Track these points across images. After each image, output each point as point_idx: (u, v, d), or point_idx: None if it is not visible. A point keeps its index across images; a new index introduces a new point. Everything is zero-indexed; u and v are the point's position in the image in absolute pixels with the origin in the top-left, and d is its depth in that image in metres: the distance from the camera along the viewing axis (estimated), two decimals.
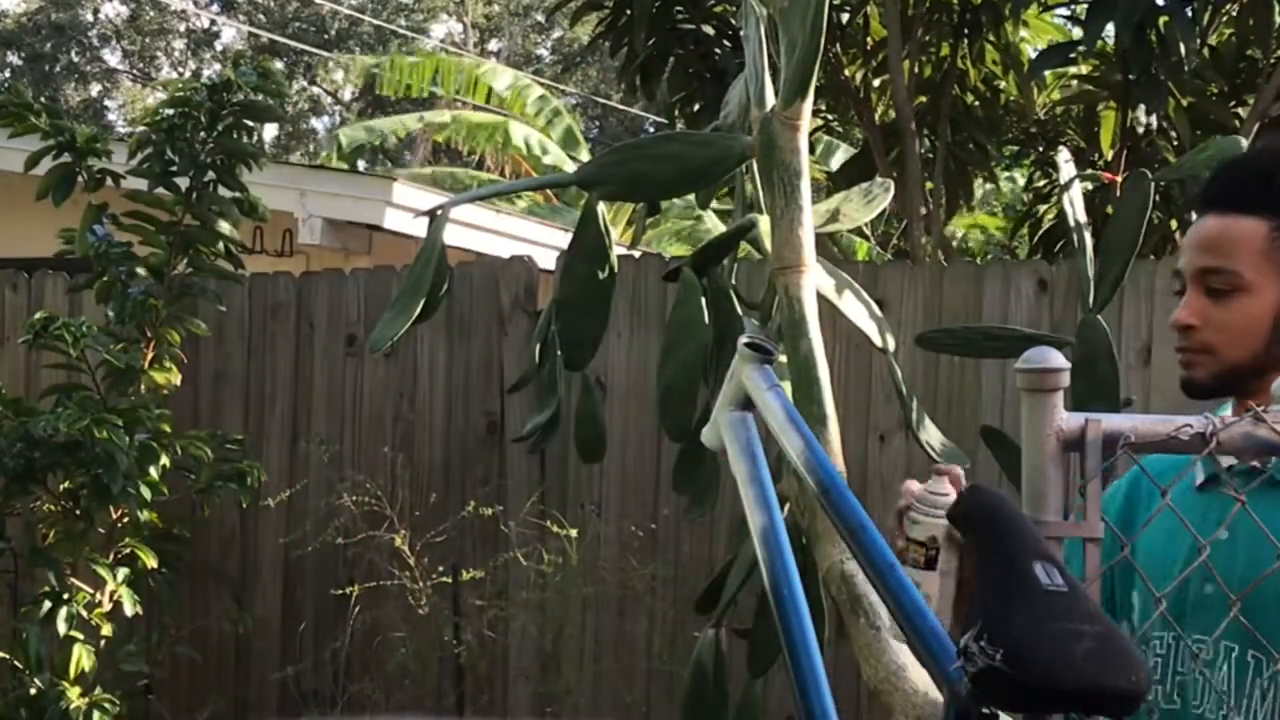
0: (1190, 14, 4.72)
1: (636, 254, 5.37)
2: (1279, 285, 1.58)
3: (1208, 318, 1.61)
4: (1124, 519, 1.67)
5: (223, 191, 4.09)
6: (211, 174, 4.06)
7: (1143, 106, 5.35)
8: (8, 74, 23.69)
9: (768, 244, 2.68)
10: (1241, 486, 1.50)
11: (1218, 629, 1.48)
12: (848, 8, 5.68)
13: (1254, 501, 1.45)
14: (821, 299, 2.63)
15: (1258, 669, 1.55)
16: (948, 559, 1.46)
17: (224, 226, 4.08)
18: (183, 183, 4.04)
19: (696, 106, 5.87)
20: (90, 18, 25.31)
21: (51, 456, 3.93)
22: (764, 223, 2.74)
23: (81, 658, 3.85)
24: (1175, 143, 5.47)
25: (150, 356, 4.05)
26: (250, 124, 4.11)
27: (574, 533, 4.38)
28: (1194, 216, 1.68)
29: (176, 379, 4.14)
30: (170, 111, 4.00)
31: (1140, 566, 1.54)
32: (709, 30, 5.78)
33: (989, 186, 6.96)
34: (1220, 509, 1.51)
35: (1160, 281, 4.01)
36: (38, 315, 3.99)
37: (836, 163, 8.21)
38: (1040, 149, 6.11)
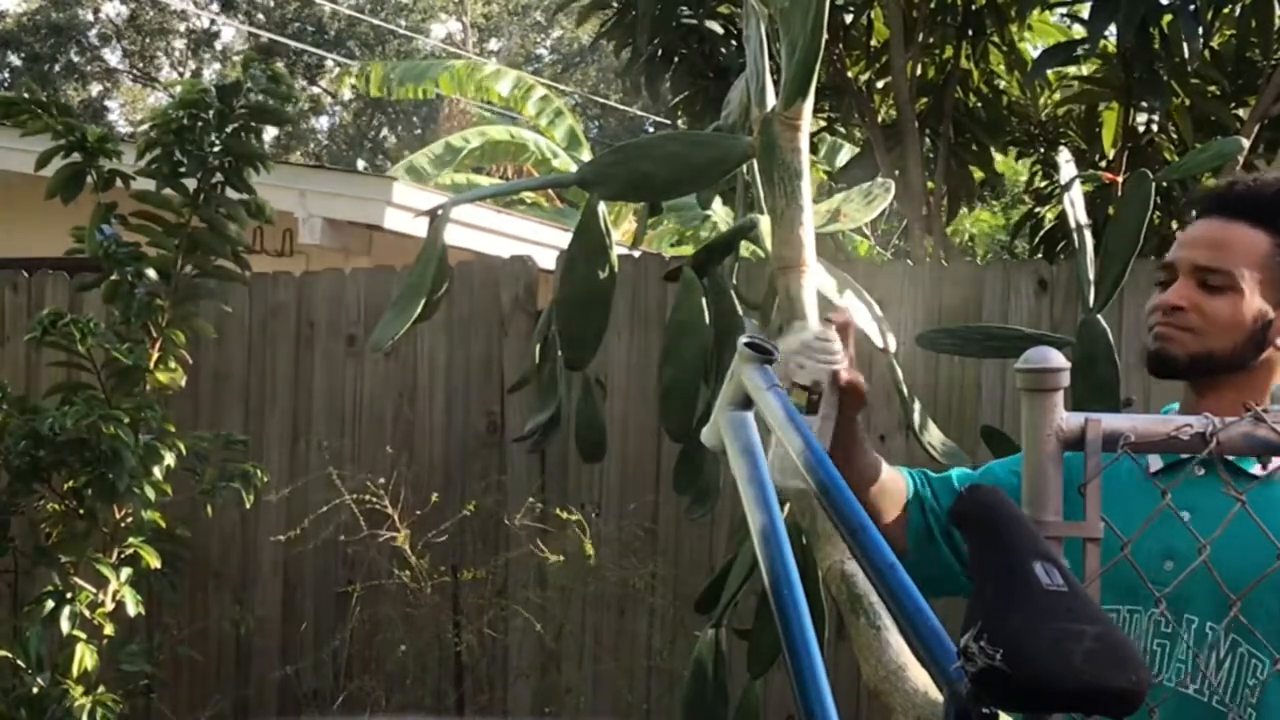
0: (1194, 14, 4.72)
1: (637, 254, 5.37)
2: (1261, 295, 1.70)
3: (1197, 304, 1.70)
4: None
5: (230, 193, 4.10)
6: (219, 176, 4.06)
7: (1144, 106, 5.36)
8: (7, 74, 23.70)
9: (768, 244, 2.68)
10: (1203, 477, 1.59)
11: (1180, 603, 1.59)
12: (850, 8, 5.68)
13: (1205, 488, 1.58)
14: (822, 299, 2.63)
15: (1215, 640, 1.62)
16: (829, 403, 1.58)
17: (231, 229, 4.08)
18: (190, 184, 4.05)
19: (698, 106, 5.87)
20: (90, 18, 25.31)
21: (56, 455, 3.93)
22: (765, 222, 2.74)
23: (84, 657, 3.86)
24: (1176, 143, 5.47)
25: (155, 357, 4.05)
26: (258, 126, 4.11)
27: (577, 518, 4.38)
28: (1195, 215, 1.79)
29: (181, 379, 4.14)
30: (179, 113, 4.00)
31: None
32: (714, 28, 5.78)
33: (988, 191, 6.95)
34: (1176, 494, 1.55)
35: None
36: (45, 311, 3.99)
37: (842, 162, 8.21)
38: (1042, 149, 6.12)
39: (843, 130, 7.33)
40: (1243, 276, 1.70)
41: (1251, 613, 1.57)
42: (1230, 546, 1.54)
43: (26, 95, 4.06)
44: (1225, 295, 1.70)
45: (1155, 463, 1.68)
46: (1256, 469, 1.67)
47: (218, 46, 26.62)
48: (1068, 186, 2.95)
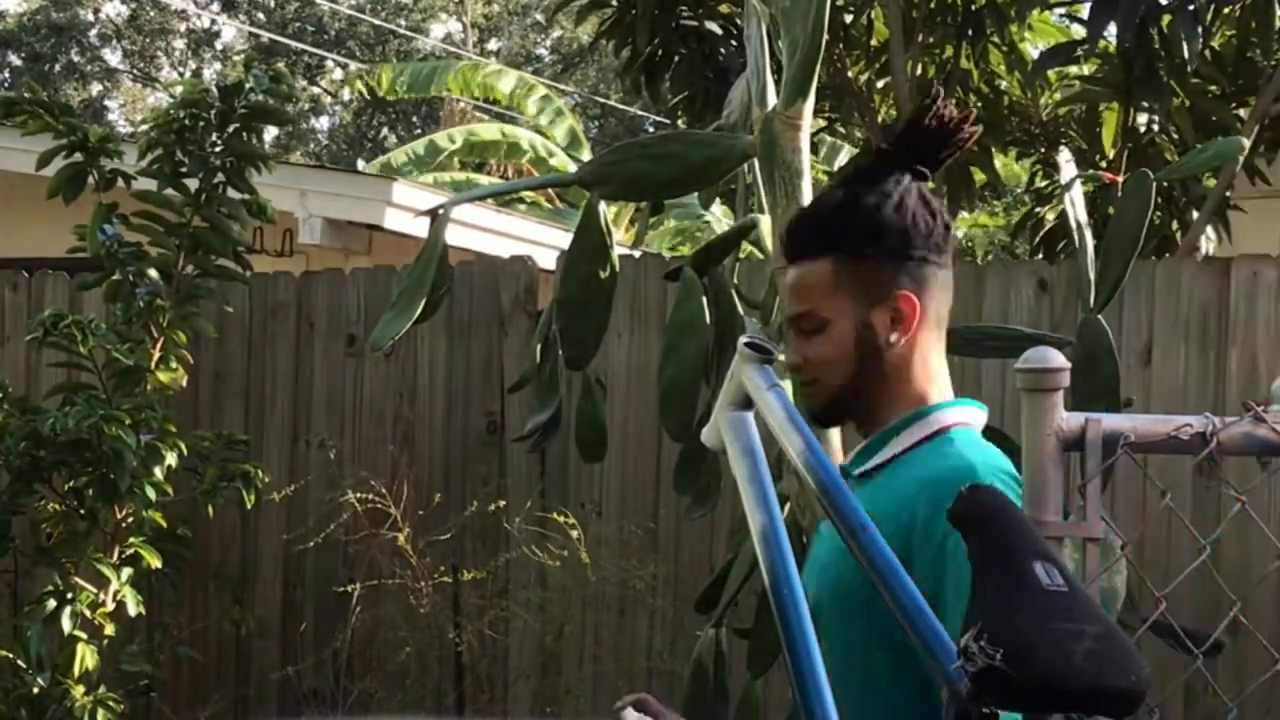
0: (1193, 14, 4.72)
1: (637, 254, 5.37)
2: (850, 310, 1.72)
3: (805, 355, 1.75)
4: None
5: (231, 193, 4.10)
6: (221, 176, 4.06)
7: (1145, 106, 5.36)
8: (7, 74, 23.70)
9: (769, 243, 2.68)
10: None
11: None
12: (851, 8, 5.68)
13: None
14: None
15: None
16: None
17: (233, 228, 4.09)
18: (192, 184, 4.05)
19: (699, 106, 5.87)
20: (90, 18, 25.32)
21: (57, 455, 3.93)
22: (765, 222, 2.74)
23: (85, 657, 3.86)
24: (1177, 143, 5.47)
25: (157, 357, 4.05)
26: (260, 126, 4.12)
27: (574, 525, 4.38)
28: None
29: (183, 379, 4.14)
30: (181, 113, 4.00)
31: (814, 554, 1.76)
32: (714, 29, 5.78)
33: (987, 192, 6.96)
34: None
35: (1161, 282, 4.01)
36: (47, 312, 3.99)
37: (842, 162, 8.21)
38: (1042, 149, 6.12)
39: (843, 130, 7.33)
40: (823, 307, 1.72)
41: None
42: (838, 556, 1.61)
43: (28, 95, 4.05)
44: (821, 334, 1.73)
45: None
46: (872, 463, 1.73)
47: (218, 46, 26.64)
48: (1068, 186, 2.94)
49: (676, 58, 5.85)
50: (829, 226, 1.76)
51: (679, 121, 6.13)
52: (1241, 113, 5.23)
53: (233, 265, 4.16)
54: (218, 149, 4.03)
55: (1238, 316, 3.95)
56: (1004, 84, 5.93)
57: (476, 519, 4.56)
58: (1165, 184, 5.06)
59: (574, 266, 2.79)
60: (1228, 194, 5.35)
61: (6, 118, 4.11)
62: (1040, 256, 6.03)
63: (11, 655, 3.94)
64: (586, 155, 11.39)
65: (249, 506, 4.22)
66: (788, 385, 2.46)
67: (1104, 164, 5.57)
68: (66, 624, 3.85)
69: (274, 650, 4.91)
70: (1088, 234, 2.82)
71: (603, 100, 22.44)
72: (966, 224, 11.17)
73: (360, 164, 19.28)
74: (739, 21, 5.56)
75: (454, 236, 3.48)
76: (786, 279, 1.79)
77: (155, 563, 3.96)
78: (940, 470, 1.65)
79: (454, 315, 4.76)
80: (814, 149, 6.68)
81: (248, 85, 3.97)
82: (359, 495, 4.46)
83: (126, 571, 3.95)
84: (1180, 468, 1.92)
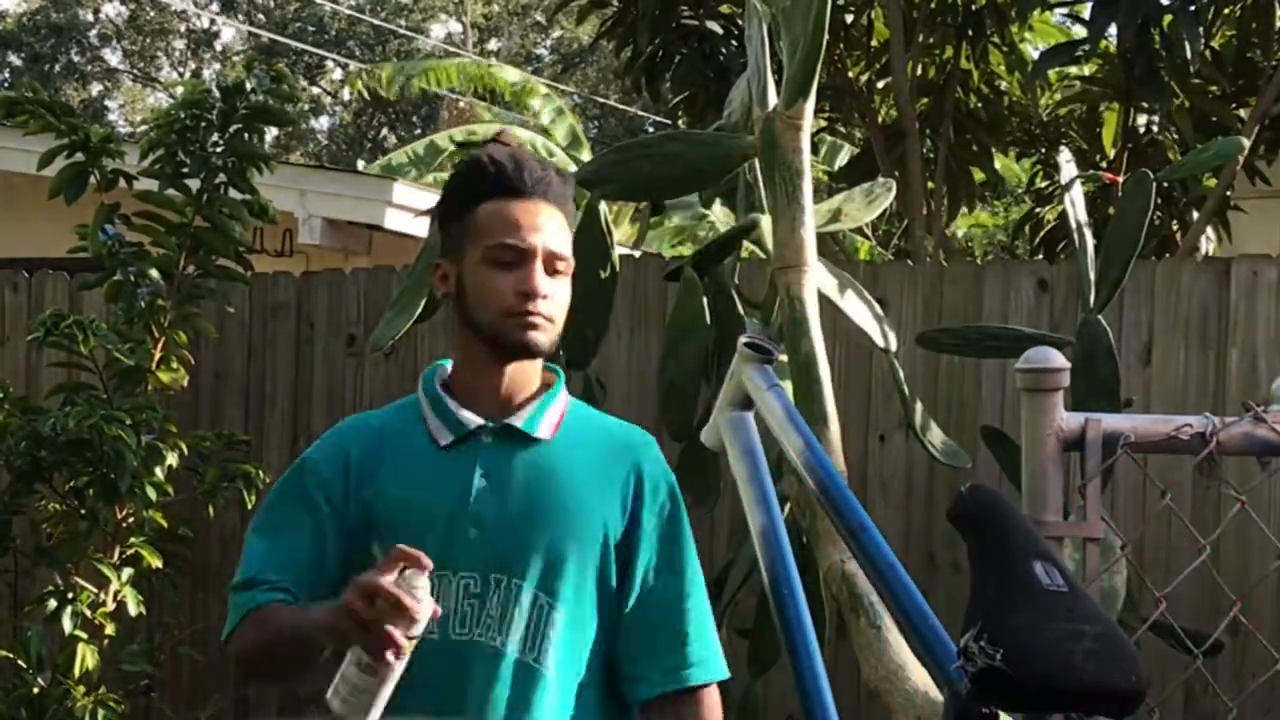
0: (1194, 14, 4.72)
1: (637, 254, 5.37)
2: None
3: (554, 293, 1.83)
4: (363, 473, 1.85)
5: (233, 194, 4.10)
6: (222, 176, 4.06)
7: (1145, 107, 5.36)
8: (8, 74, 23.70)
9: (769, 243, 2.68)
10: (494, 443, 1.82)
11: (482, 563, 1.78)
12: (851, 8, 5.68)
13: (497, 454, 1.81)
14: (822, 298, 2.64)
15: (518, 595, 1.79)
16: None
17: (235, 229, 4.09)
18: (194, 184, 4.05)
19: (699, 106, 5.87)
20: (90, 18, 25.32)
21: (58, 455, 3.92)
22: (765, 222, 2.74)
23: (85, 657, 3.86)
24: (1177, 143, 5.47)
25: (158, 357, 4.05)
26: (261, 127, 4.11)
27: None
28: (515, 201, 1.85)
29: (184, 379, 4.14)
30: (183, 113, 4.00)
31: (396, 516, 1.79)
32: (715, 28, 5.79)
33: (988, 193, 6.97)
34: (467, 464, 1.80)
35: (1161, 282, 4.02)
36: (48, 312, 3.99)
37: (842, 162, 8.21)
38: (1042, 149, 6.12)
39: (843, 130, 7.33)
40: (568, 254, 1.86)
41: (557, 569, 1.80)
42: (540, 505, 1.80)
43: (30, 95, 4.05)
44: (566, 278, 1.88)
45: (444, 437, 1.83)
46: (541, 431, 1.83)
47: (218, 46, 26.64)
48: (1068, 187, 2.95)
49: (677, 57, 5.85)
50: (569, 182, 1.91)
51: (679, 121, 6.13)
52: (1241, 113, 5.23)
53: (234, 266, 4.16)
54: (219, 149, 4.03)
55: (1238, 316, 3.95)
56: (1004, 84, 5.93)
57: None
58: (1165, 184, 5.06)
59: (574, 266, 2.79)
60: (1228, 194, 5.35)
61: (8, 118, 4.11)
62: (1040, 256, 6.03)
63: (12, 655, 3.93)
64: (586, 155, 11.39)
65: (249, 507, 4.22)
66: (788, 385, 2.46)
67: (1104, 164, 5.58)
68: (67, 624, 3.85)
69: None
70: (1088, 234, 2.83)
71: (603, 100, 22.44)
72: (966, 224, 11.17)
73: (360, 164, 19.27)
74: (740, 21, 5.56)
75: None
76: (544, 215, 1.84)
77: (156, 563, 3.96)
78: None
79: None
80: (814, 149, 6.68)
81: (250, 86, 3.97)
82: None
83: (127, 571, 3.95)
84: (1180, 468, 1.92)
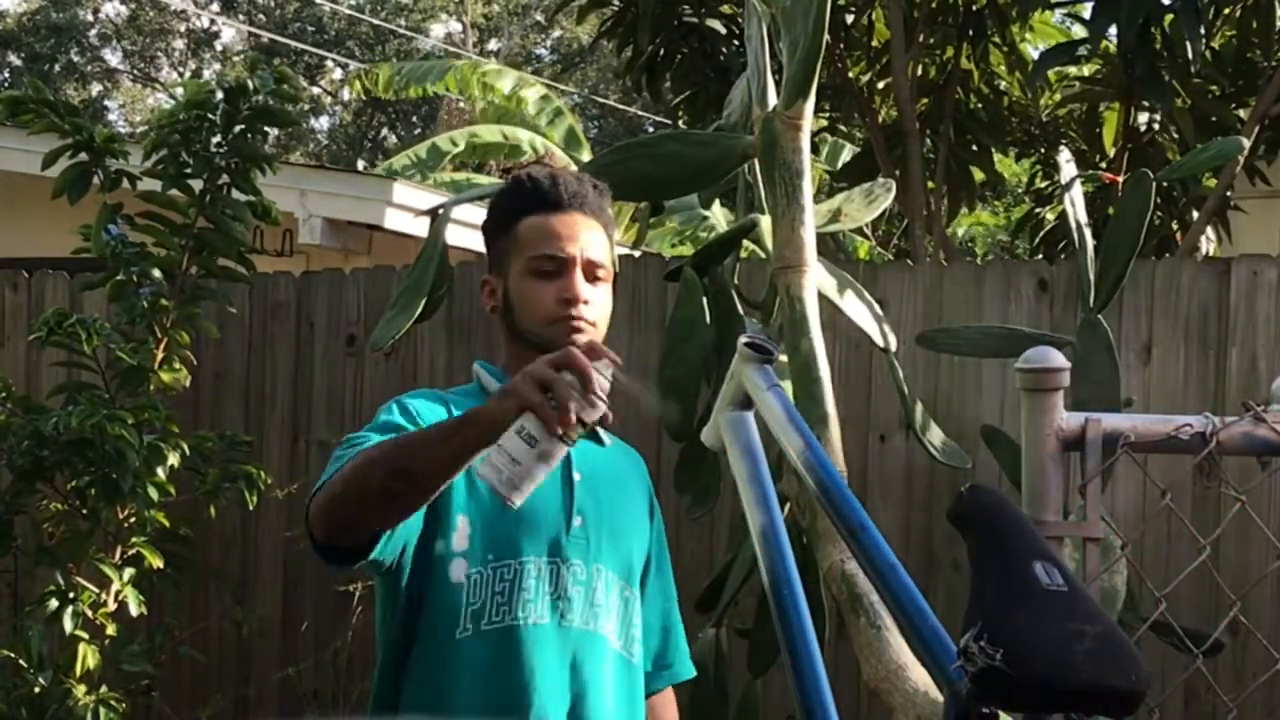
0: (1195, 14, 4.72)
1: (637, 254, 5.37)
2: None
3: (595, 299, 1.90)
4: None
5: (236, 194, 4.10)
6: (225, 177, 4.06)
7: (1145, 106, 5.36)
8: (8, 74, 23.70)
9: (769, 243, 2.68)
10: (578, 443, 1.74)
11: (593, 555, 1.89)
12: (852, 8, 5.68)
13: (597, 453, 1.95)
14: (822, 298, 2.64)
15: (611, 587, 1.91)
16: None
17: (238, 229, 4.09)
18: (197, 185, 4.05)
19: (699, 106, 5.87)
20: (90, 18, 25.32)
21: (60, 454, 3.92)
22: (765, 222, 2.74)
23: (86, 656, 3.86)
24: (1177, 143, 5.47)
25: (160, 357, 4.05)
26: (265, 128, 4.12)
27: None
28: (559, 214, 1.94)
29: (186, 379, 4.14)
30: (186, 114, 4.00)
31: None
32: (716, 27, 5.79)
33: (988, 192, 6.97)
34: (562, 460, 1.76)
35: (1161, 282, 4.02)
36: (50, 311, 3.99)
37: (843, 163, 8.21)
38: (1042, 150, 6.12)
39: (844, 130, 7.33)
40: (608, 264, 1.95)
41: (634, 564, 1.97)
42: (615, 505, 1.94)
43: (34, 94, 4.05)
44: (607, 285, 1.97)
45: None
46: (604, 436, 1.99)
47: (218, 46, 26.64)
48: (1068, 186, 2.95)
49: (677, 57, 5.85)
50: (605, 195, 1.99)
51: (679, 121, 6.13)
52: (1241, 113, 5.23)
53: (236, 266, 4.16)
54: (222, 150, 4.03)
55: (1238, 316, 3.95)
56: (1004, 84, 5.93)
57: None
58: (1165, 184, 5.07)
59: None
60: (1228, 194, 5.35)
61: (12, 117, 4.11)
62: (1040, 256, 6.03)
63: (13, 655, 3.93)
64: (586, 155, 11.39)
65: (250, 507, 4.22)
66: (788, 385, 2.47)
67: (1104, 164, 5.58)
68: (68, 624, 3.85)
69: (274, 650, 4.91)
70: (1088, 234, 2.83)
71: (603, 100, 22.44)
72: (966, 224, 11.17)
73: (360, 164, 19.29)
74: (740, 20, 5.56)
75: (454, 236, 3.48)
76: (586, 226, 1.92)
77: (157, 563, 3.96)
78: None
79: (454, 315, 4.76)
80: (814, 149, 6.68)
81: (253, 86, 3.97)
82: None
83: (128, 571, 3.95)
84: (1180, 468, 1.92)
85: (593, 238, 1.91)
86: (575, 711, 1.84)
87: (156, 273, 4.02)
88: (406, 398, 1.90)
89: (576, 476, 1.90)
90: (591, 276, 1.90)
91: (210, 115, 3.99)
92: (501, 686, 1.78)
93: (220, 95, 4.00)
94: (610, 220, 1.97)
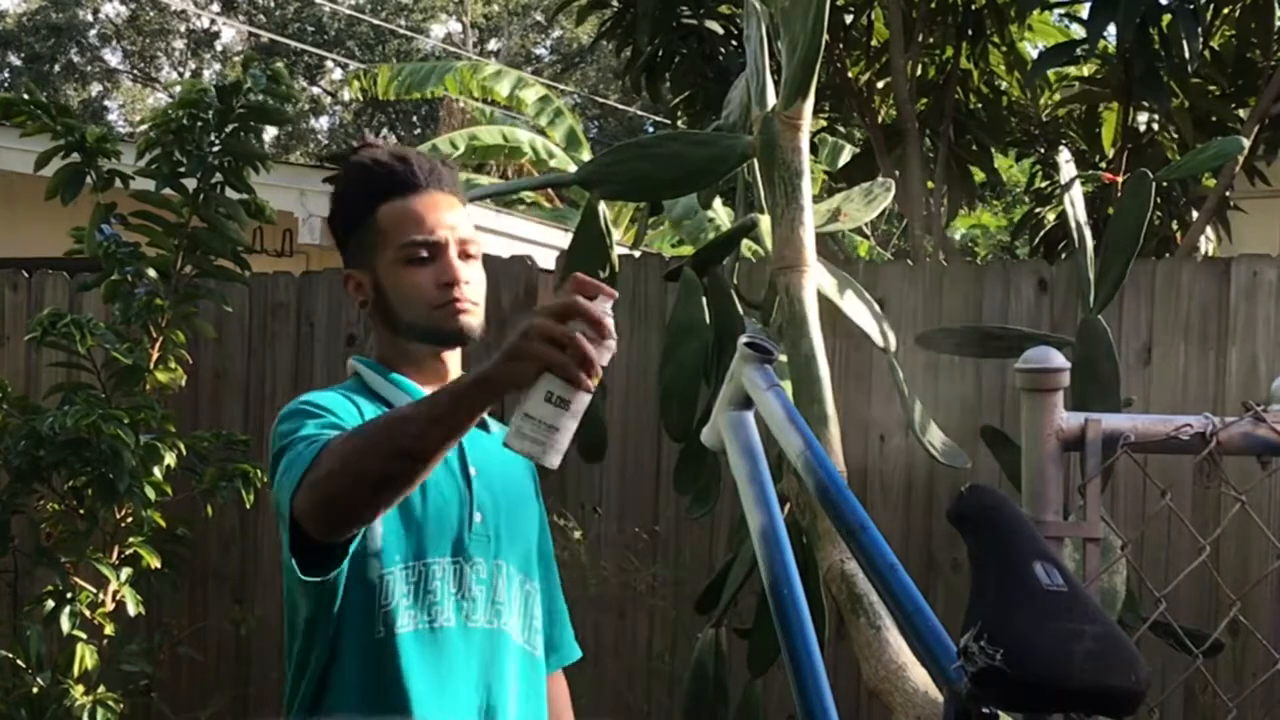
0: (1193, 13, 4.72)
1: (637, 254, 5.37)
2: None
3: (472, 277, 1.87)
4: None
5: (230, 193, 4.10)
6: (219, 176, 4.06)
7: (1145, 106, 5.36)
8: (7, 74, 23.69)
9: (768, 243, 2.68)
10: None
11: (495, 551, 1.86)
12: (851, 8, 5.68)
13: (474, 444, 1.87)
14: (822, 298, 2.63)
15: (511, 581, 1.88)
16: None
17: (231, 228, 4.08)
18: (190, 184, 4.05)
19: (699, 106, 5.87)
20: (90, 18, 25.32)
21: (57, 454, 3.92)
22: (765, 222, 2.74)
23: (84, 656, 3.86)
24: (1177, 142, 5.47)
25: (156, 356, 4.05)
26: (258, 126, 4.11)
27: (579, 534, 4.38)
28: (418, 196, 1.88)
29: (182, 379, 4.14)
30: (179, 113, 4.00)
31: (411, 498, 1.76)
32: (715, 28, 5.78)
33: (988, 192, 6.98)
34: (455, 452, 1.83)
35: (1161, 282, 4.02)
36: (45, 311, 3.99)
37: (843, 163, 8.21)
38: (1042, 149, 6.12)
39: (843, 130, 7.33)
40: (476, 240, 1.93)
41: (530, 555, 1.93)
42: (510, 496, 1.91)
43: (26, 95, 4.05)
44: (478, 261, 1.94)
45: None
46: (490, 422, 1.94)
47: (218, 46, 26.64)
48: (1068, 186, 2.95)
49: (677, 57, 5.85)
50: (454, 168, 1.95)
51: (679, 121, 6.12)
52: (1241, 113, 5.23)
53: (231, 265, 4.16)
54: (216, 149, 4.02)
55: (1238, 316, 3.95)
56: (1004, 84, 5.93)
57: None
58: (1165, 184, 5.06)
59: (574, 266, 2.79)
60: (1228, 194, 5.35)
61: (5, 118, 4.11)
62: (1040, 256, 6.03)
63: (11, 655, 3.93)
64: (586, 155, 11.38)
65: (248, 506, 4.22)
66: (788, 385, 2.46)
67: (1104, 164, 5.57)
68: (66, 624, 3.85)
69: (274, 650, 4.91)
70: (1088, 234, 2.82)
71: (603, 100, 22.44)
72: (966, 224, 11.17)
73: None
74: (739, 21, 5.56)
75: None
76: (444, 206, 1.87)
77: (155, 562, 3.96)
78: None
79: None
80: (814, 149, 6.68)
81: (246, 85, 3.97)
82: None
83: (126, 571, 3.95)
84: (1180, 468, 1.92)
85: (457, 215, 1.87)
86: (487, 714, 1.83)
87: (151, 272, 4.02)
88: (308, 399, 1.80)
89: (473, 471, 1.85)
90: (464, 254, 1.85)
91: (203, 114, 3.98)
92: (416, 690, 1.74)
93: (213, 94, 4.00)
94: (463, 193, 1.92)
